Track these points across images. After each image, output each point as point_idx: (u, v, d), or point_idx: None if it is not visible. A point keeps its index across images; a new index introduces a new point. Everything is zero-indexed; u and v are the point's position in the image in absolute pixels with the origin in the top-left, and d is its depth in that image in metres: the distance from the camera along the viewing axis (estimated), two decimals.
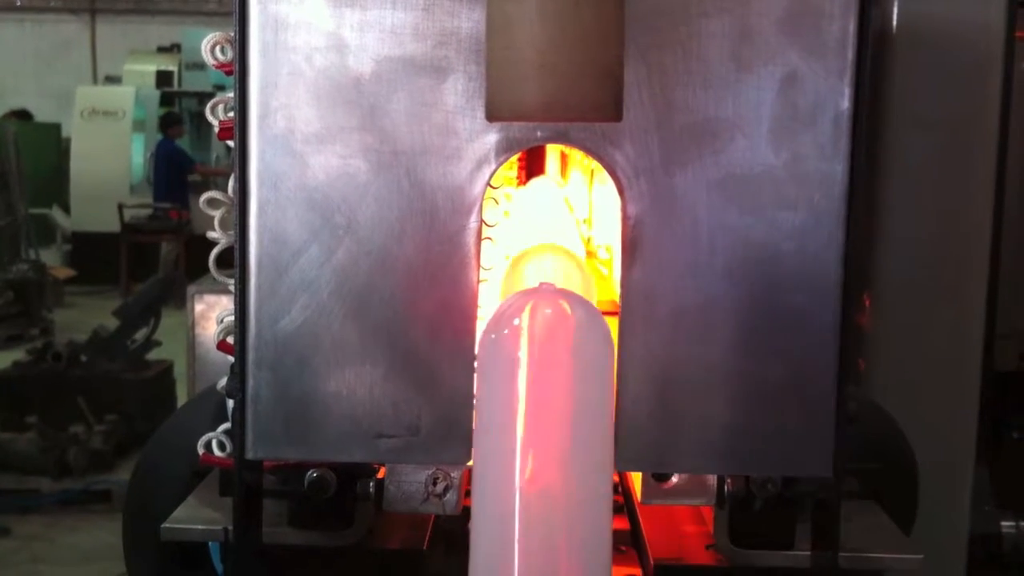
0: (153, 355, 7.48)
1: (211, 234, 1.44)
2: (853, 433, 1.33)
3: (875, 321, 2.47)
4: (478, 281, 1.31)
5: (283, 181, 1.29)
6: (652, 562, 1.51)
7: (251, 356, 1.31)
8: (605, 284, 2.34)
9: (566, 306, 1.12)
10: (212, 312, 3.32)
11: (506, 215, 2.50)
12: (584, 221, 3.03)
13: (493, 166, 1.29)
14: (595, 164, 2.92)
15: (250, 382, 1.31)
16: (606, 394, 1.13)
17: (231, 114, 1.34)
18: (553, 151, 3.66)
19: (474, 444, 1.13)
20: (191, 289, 5.55)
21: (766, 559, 1.46)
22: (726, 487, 1.42)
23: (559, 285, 1.17)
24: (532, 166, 3.32)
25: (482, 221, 1.32)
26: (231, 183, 1.35)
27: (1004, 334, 2.66)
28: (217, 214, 1.44)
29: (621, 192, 1.29)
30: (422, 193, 1.29)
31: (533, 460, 1.08)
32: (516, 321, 1.11)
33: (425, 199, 1.29)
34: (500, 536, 1.07)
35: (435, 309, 1.30)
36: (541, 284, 1.15)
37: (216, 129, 1.40)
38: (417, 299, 1.30)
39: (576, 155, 3.31)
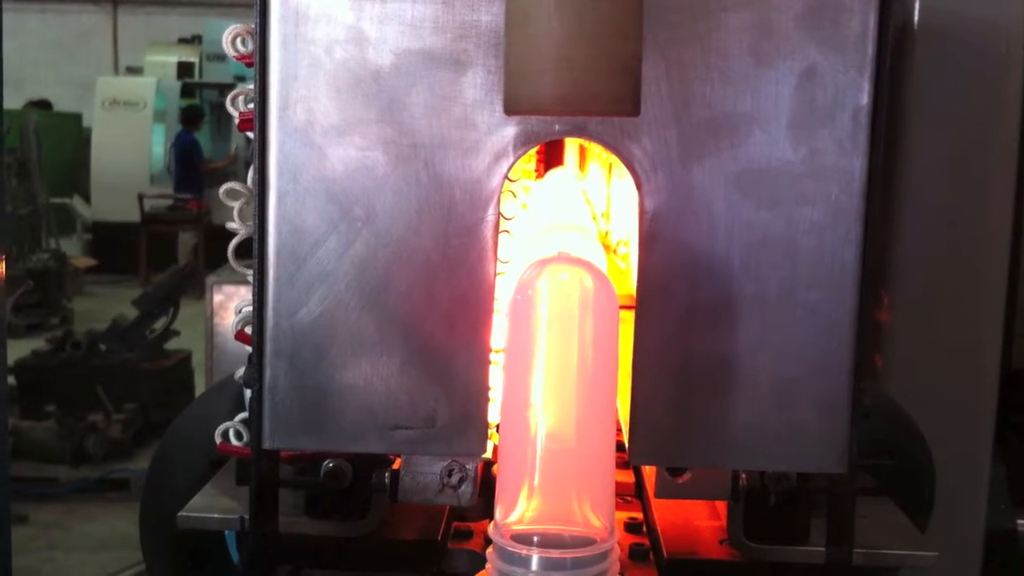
0: (171, 345, 7.53)
1: (230, 225, 1.45)
2: (868, 429, 1.33)
3: (892, 317, 2.47)
4: (495, 274, 1.32)
5: (302, 173, 1.30)
6: (666, 556, 1.51)
7: (269, 347, 1.32)
8: (623, 278, 2.34)
9: (579, 271, 1.16)
10: (230, 302, 3.34)
11: (524, 208, 2.50)
12: (602, 215, 3.03)
13: (511, 159, 1.30)
14: (613, 158, 2.92)
15: (267, 372, 1.32)
16: (612, 352, 1.17)
17: (251, 106, 1.34)
18: (572, 144, 3.65)
19: (502, 395, 1.19)
20: (210, 279, 5.58)
21: (780, 554, 1.46)
22: (740, 482, 1.42)
23: (574, 254, 1.21)
24: (550, 159, 3.33)
25: (500, 214, 1.32)
26: (250, 174, 1.36)
27: (1023, 332, 2.65)
28: (236, 205, 1.44)
29: (639, 186, 1.30)
30: (440, 186, 1.30)
31: (548, 412, 1.13)
32: (536, 285, 1.15)
33: (443, 192, 1.30)
34: (520, 478, 1.14)
35: (452, 301, 1.30)
36: (559, 252, 1.19)
37: (236, 121, 1.40)
38: (434, 291, 1.30)
39: (595, 149, 3.30)
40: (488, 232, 1.30)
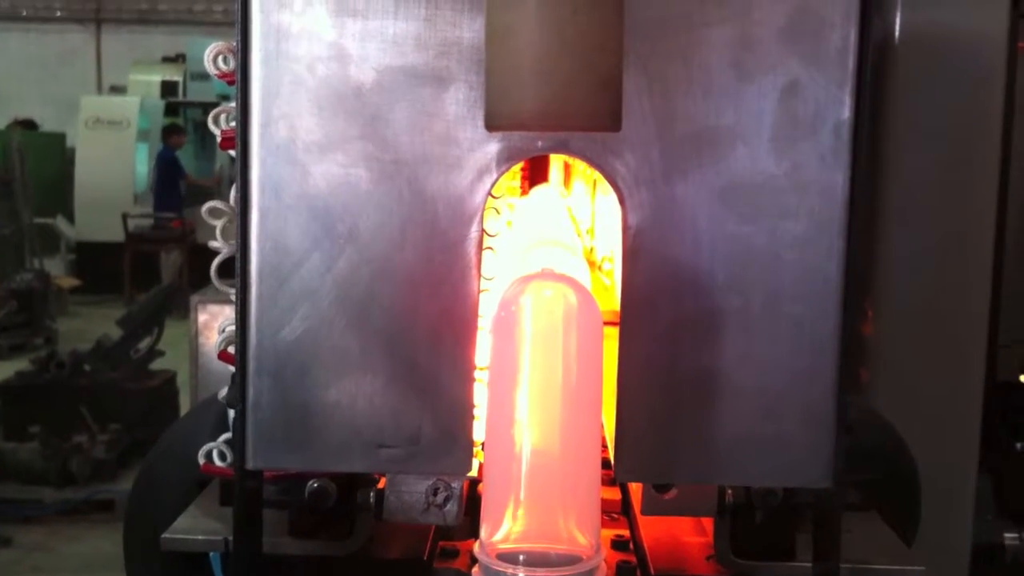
0: (156, 365, 7.50)
1: (213, 244, 1.44)
2: (854, 441, 1.33)
3: (877, 331, 2.47)
4: (479, 291, 1.31)
5: (284, 190, 1.29)
6: (653, 574, 1.50)
7: (252, 366, 1.31)
8: (607, 295, 2.34)
9: (563, 288, 1.15)
10: (215, 322, 3.32)
11: (508, 225, 2.49)
12: (587, 231, 3.03)
13: (494, 176, 1.29)
14: (597, 174, 2.93)
15: (251, 392, 1.31)
16: (596, 369, 1.16)
17: (233, 124, 1.34)
18: (556, 161, 3.65)
19: (486, 413, 1.18)
20: (194, 299, 5.52)
21: (767, 570, 1.45)
22: (727, 498, 1.42)
23: (558, 271, 1.21)
24: (535, 176, 3.33)
25: (483, 231, 1.31)
26: (232, 192, 1.35)
27: (1006, 344, 2.66)
28: (219, 224, 1.44)
29: (622, 202, 1.29)
30: (423, 203, 1.29)
31: (533, 428, 1.12)
32: (519, 301, 1.15)
33: (426, 209, 1.29)
34: (506, 496, 1.14)
35: (436, 319, 1.29)
36: (542, 269, 1.19)
37: (219, 139, 1.40)
38: (418, 309, 1.29)
39: (579, 165, 3.31)
40: (472, 249, 1.30)
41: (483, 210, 1.30)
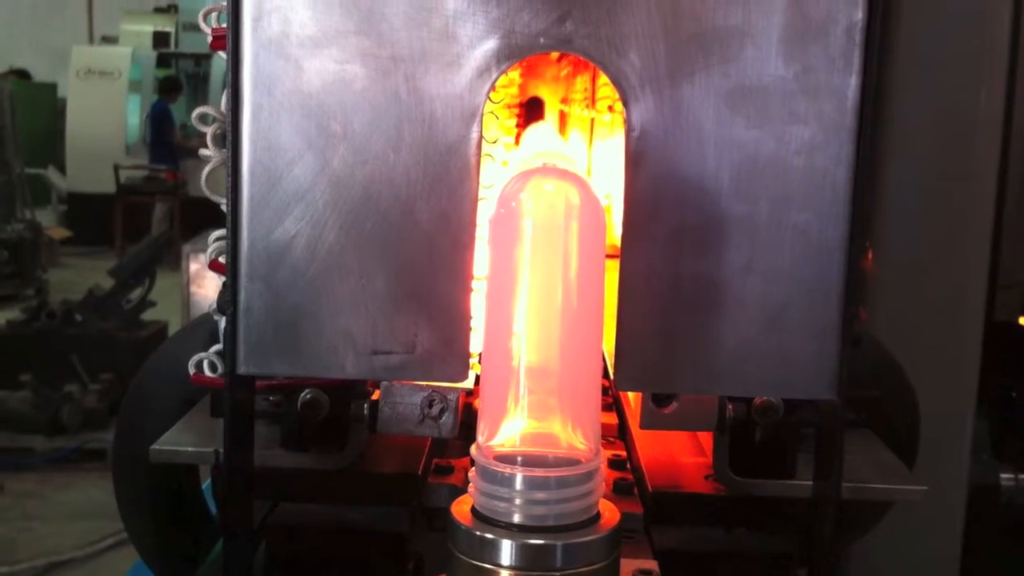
0: (148, 315, 7.49)
1: (203, 152, 1.40)
2: (856, 358, 1.29)
3: (877, 269, 2.45)
4: (477, 195, 1.27)
5: (277, 86, 1.25)
6: (651, 490, 1.48)
7: (243, 269, 1.27)
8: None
9: (565, 183, 1.10)
10: (206, 271, 3.29)
11: (504, 164, 2.46)
12: (585, 174, 3.00)
13: (494, 75, 1.25)
14: (594, 115, 2.89)
15: (242, 295, 1.27)
16: (598, 269, 1.12)
17: (225, 25, 1.29)
18: (552, 111, 3.62)
19: (485, 315, 1.14)
20: (186, 248, 5.48)
21: (767, 488, 1.43)
22: (727, 413, 1.39)
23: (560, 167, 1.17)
24: (530, 123, 3.31)
25: (482, 135, 1.27)
26: (224, 96, 1.31)
27: (1006, 284, 2.63)
28: (210, 130, 1.40)
29: (625, 103, 1.25)
30: (420, 101, 1.25)
31: (532, 329, 1.08)
32: (519, 196, 1.09)
33: (424, 107, 1.25)
34: (504, 397, 1.10)
35: (433, 221, 1.25)
36: (544, 163, 1.14)
37: (209, 39, 1.36)
38: (415, 211, 1.25)
39: (575, 111, 3.27)
40: (471, 150, 1.25)
41: (482, 111, 1.26)
